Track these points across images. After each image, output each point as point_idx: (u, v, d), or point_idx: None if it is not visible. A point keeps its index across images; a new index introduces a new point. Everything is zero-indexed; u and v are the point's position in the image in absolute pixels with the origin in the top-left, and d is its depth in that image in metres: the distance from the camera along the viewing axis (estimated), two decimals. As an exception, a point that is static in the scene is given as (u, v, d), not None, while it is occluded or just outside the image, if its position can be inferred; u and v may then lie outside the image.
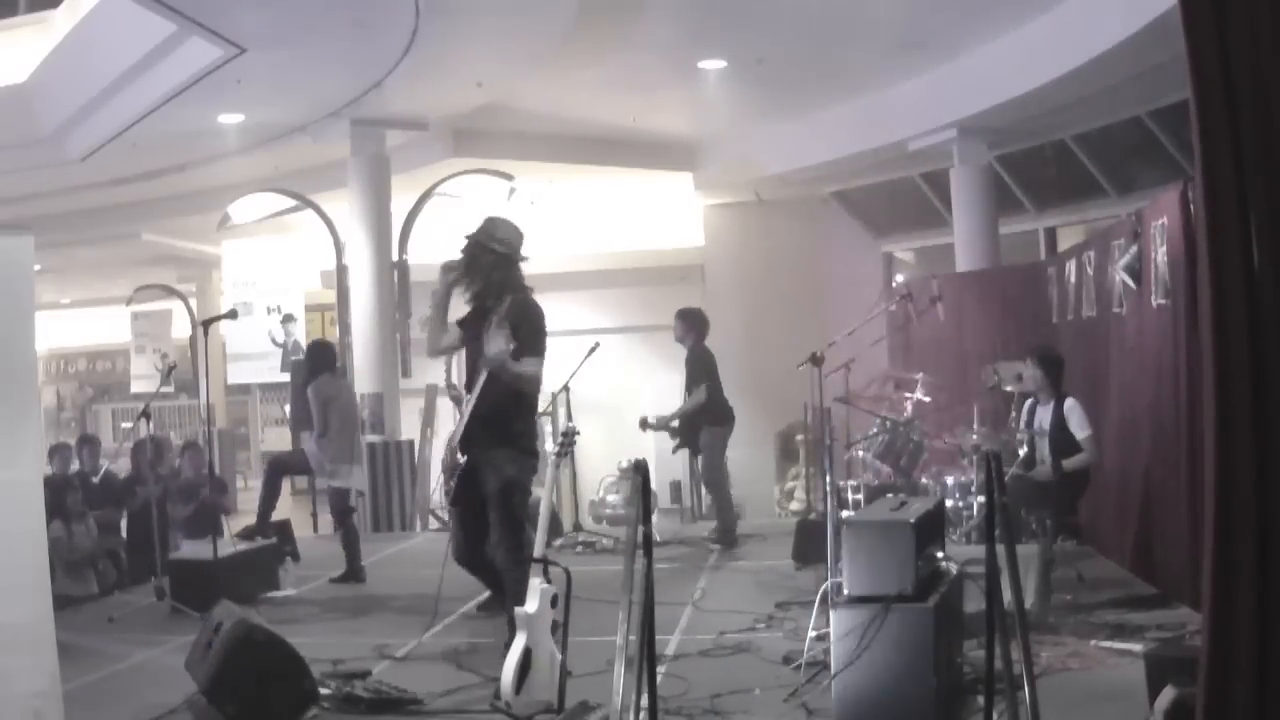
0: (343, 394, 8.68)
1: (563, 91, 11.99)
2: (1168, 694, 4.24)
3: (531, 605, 4.96)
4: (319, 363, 8.62)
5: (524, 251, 5.82)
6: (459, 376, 6.16)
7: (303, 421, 10.28)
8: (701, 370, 9.24)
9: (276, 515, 8.69)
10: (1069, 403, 7.54)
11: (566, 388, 9.66)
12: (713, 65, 11.40)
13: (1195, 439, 6.01)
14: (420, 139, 13.06)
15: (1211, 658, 2.93)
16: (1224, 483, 2.92)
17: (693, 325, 9.39)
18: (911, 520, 4.77)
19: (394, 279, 12.78)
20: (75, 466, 10.08)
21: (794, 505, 13.81)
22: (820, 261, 15.44)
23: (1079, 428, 7.44)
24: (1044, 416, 7.66)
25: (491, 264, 5.74)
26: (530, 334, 5.64)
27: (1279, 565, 2.86)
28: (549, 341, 5.84)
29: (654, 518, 5.14)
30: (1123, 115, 11.21)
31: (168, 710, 5.25)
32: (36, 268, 5.35)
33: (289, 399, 14.27)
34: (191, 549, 8.65)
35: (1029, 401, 7.92)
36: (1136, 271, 7.07)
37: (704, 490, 9.76)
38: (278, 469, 8.79)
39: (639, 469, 4.06)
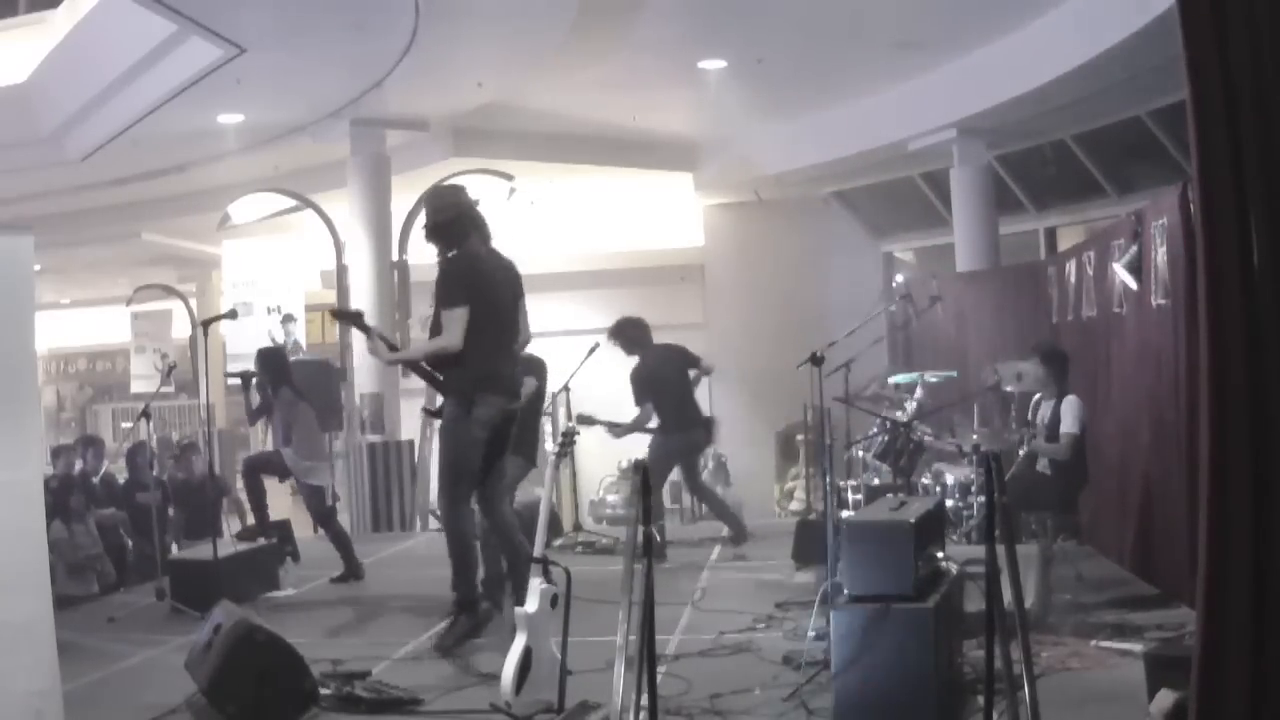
0: (298, 401, 8.44)
1: (563, 91, 11.99)
2: (1166, 696, 4.23)
3: (531, 605, 4.96)
4: (278, 374, 8.38)
5: (452, 208, 5.97)
6: None
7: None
8: (642, 388, 8.79)
9: (276, 515, 8.67)
10: (1068, 399, 7.52)
11: (566, 388, 9.64)
12: (713, 65, 11.39)
13: (1195, 439, 5.98)
14: (420, 139, 13.06)
15: (1205, 658, 2.93)
16: (1219, 482, 2.92)
17: (628, 339, 8.88)
18: (911, 520, 4.76)
19: (394, 279, 12.78)
20: (79, 467, 10.08)
21: (794, 505, 13.80)
22: (820, 261, 15.42)
23: (1068, 423, 7.44)
24: (1046, 413, 7.64)
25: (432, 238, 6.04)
26: (437, 290, 5.84)
27: (1273, 565, 2.85)
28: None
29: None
30: (1123, 115, 11.20)
31: (168, 710, 5.25)
32: (36, 268, 5.34)
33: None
34: (191, 549, 8.64)
35: (1035, 397, 7.90)
36: (1137, 271, 7.07)
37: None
38: (254, 469, 8.67)
39: (639, 469, 4.06)
